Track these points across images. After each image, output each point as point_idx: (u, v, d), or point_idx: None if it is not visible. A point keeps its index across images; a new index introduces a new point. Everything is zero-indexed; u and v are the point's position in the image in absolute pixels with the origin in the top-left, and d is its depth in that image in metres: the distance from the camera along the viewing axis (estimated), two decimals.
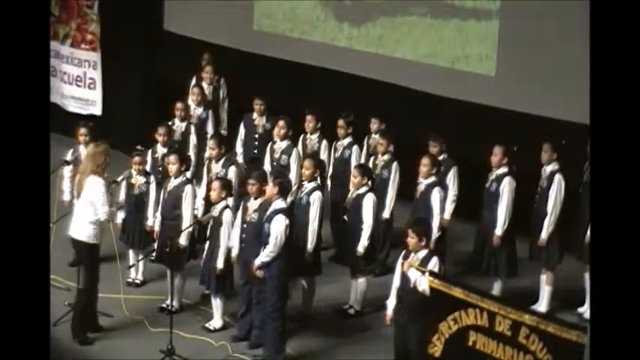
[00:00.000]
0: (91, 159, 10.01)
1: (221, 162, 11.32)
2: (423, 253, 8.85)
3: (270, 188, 9.78)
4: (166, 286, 10.51)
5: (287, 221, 9.57)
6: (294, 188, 11.33)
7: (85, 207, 9.89)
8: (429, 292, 8.47)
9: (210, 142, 11.53)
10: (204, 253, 10.34)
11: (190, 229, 10.39)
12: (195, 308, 10.84)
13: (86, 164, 10.06)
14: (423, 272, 8.58)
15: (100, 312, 10.32)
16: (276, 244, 9.52)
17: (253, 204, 9.98)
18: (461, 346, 8.19)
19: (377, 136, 11.91)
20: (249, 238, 9.89)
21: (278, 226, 9.53)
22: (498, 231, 10.76)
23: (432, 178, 10.89)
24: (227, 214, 10.07)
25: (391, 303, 9.02)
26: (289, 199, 11.21)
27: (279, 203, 9.70)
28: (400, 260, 8.99)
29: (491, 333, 7.98)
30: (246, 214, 10.01)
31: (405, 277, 8.84)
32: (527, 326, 7.75)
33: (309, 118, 12.16)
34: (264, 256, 9.56)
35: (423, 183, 10.92)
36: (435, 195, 10.80)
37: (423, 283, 8.56)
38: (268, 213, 9.67)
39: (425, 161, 10.88)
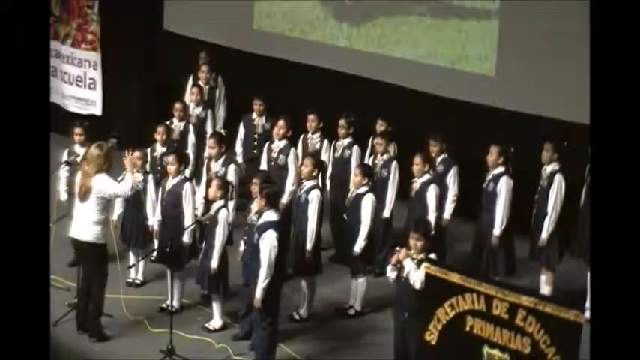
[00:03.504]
0: (94, 161, 9.81)
1: (220, 161, 11.30)
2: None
3: (258, 200, 9.53)
4: (166, 286, 10.52)
5: (276, 241, 9.23)
6: (292, 188, 11.35)
7: (92, 207, 9.78)
8: (424, 279, 8.36)
9: (210, 141, 11.51)
10: (201, 252, 10.35)
11: (192, 227, 10.39)
12: (195, 308, 10.84)
13: (89, 167, 9.84)
14: (420, 261, 8.53)
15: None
16: (269, 264, 9.23)
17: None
18: (458, 332, 8.10)
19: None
20: (250, 241, 9.81)
21: (268, 245, 9.22)
22: (496, 231, 10.77)
23: (427, 176, 10.92)
24: (223, 214, 10.04)
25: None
26: (287, 199, 11.26)
27: (269, 215, 9.44)
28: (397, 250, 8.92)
29: (489, 317, 7.91)
30: (249, 216, 9.96)
31: (401, 269, 8.71)
32: (524, 308, 7.69)
33: (311, 117, 12.14)
34: (261, 282, 9.25)
35: (417, 182, 10.94)
36: (431, 193, 10.83)
37: (418, 272, 8.48)
38: (259, 223, 9.46)
39: (417, 160, 10.90)
